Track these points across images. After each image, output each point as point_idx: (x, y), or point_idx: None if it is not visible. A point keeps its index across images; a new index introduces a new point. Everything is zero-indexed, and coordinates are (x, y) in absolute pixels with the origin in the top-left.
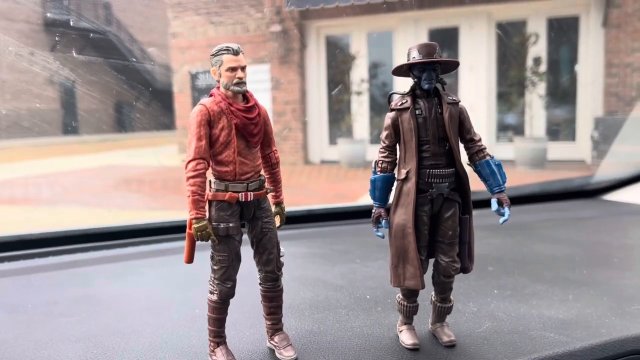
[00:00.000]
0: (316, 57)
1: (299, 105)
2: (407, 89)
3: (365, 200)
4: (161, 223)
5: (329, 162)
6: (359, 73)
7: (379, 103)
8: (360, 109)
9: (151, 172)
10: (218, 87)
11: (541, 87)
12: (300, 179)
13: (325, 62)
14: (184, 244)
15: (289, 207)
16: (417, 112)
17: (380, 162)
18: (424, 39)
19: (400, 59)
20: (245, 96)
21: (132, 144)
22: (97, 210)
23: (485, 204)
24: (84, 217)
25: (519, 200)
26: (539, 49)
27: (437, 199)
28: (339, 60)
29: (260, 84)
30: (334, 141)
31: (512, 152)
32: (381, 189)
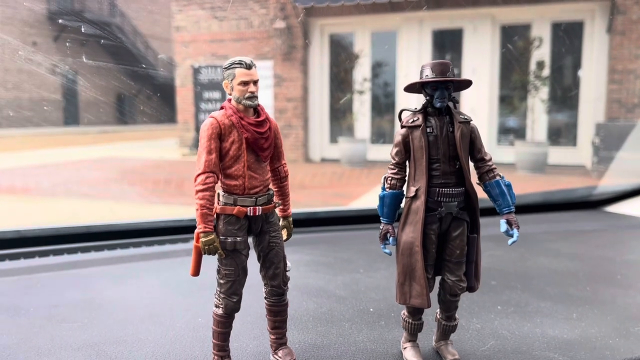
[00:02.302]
0: (319, 55)
1: (301, 102)
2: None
3: (366, 202)
4: (164, 222)
5: (330, 160)
6: (361, 72)
7: (381, 102)
8: (361, 108)
9: (151, 165)
10: (229, 100)
11: (544, 92)
12: (303, 178)
13: (328, 60)
14: (186, 246)
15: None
16: (428, 130)
17: (390, 178)
18: (427, 39)
19: (403, 59)
20: (257, 110)
21: (133, 137)
22: (97, 202)
23: (487, 213)
24: (83, 209)
25: (520, 209)
26: (542, 53)
27: (445, 217)
28: (342, 58)
29: (262, 81)
30: (335, 139)
31: (513, 156)
32: (390, 205)
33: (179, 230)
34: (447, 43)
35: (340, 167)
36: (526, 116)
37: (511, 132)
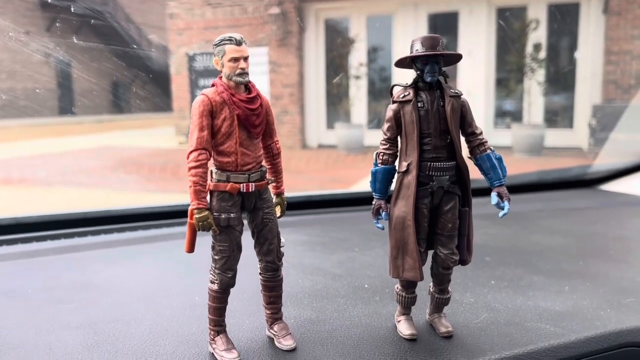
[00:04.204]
0: (315, 41)
1: (297, 88)
2: (407, 77)
3: (363, 186)
4: (160, 207)
5: (326, 146)
6: (357, 57)
7: (377, 87)
8: (358, 93)
9: (148, 154)
10: (220, 77)
11: (540, 74)
12: (301, 165)
13: (323, 46)
14: (182, 229)
15: (287, 193)
16: (419, 104)
17: (382, 154)
18: (423, 23)
19: (399, 44)
20: (248, 87)
21: (129, 125)
22: (93, 191)
23: (483, 192)
24: (79, 198)
25: (516, 189)
26: (538, 35)
27: (437, 191)
28: (337, 43)
29: (258, 67)
30: (332, 125)
31: (510, 139)
32: (382, 181)
33: (176, 214)
34: (443, 26)
35: (337, 153)
36: (523, 99)
37: (508, 115)
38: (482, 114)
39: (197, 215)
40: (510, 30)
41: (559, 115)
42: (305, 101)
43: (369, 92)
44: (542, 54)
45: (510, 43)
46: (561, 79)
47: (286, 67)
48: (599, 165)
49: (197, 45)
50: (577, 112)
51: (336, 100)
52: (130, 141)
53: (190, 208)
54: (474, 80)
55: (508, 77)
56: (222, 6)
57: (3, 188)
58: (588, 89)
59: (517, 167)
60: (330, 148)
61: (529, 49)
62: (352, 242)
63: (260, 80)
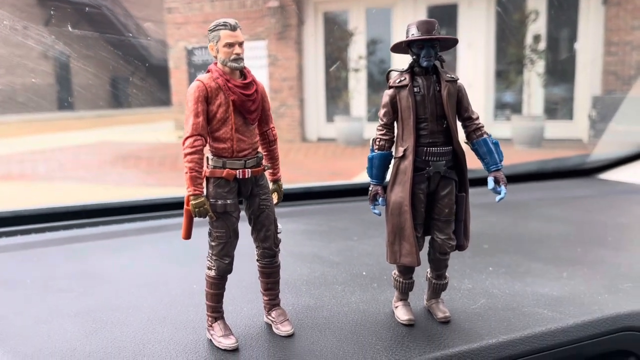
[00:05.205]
0: (314, 34)
1: (296, 82)
2: (405, 66)
3: (363, 178)
4: (158, 199)
5: (326, 139)
6: (356, 50)
7: (377, 80)
8: (357, 86)
9: (147, 149)
10: (215, 63)
11: (540, 65)
12: (300, 159)
13: (322, 39)
14: (181, 220)
15: (286, 185)
16: (415, 89)
17: (378, 139)
18: (422, 15)
19: (398, 36)
20: (243, 72)
21: (128, 120)
22: (93, 186)
23: (482, 182)
24: (79, 193)
25: (515, 178)
26: (538, 26)
27: (434, 177)
28: (336, 36)
29: (256, 61)
30: (331, 118)
31: (510, 131)
32: (378, 166)
33: (173, 206)
34: (443, 18)
35: (337, 146)
36: (522, 90)
37: (508, 107)
38: (481, 106)
39: (193, 202)
40: (509, 21)
41: (558, 106)
42: (305, 94)
43: (369, 85)
44: (542, 45)
45: (510, 35)
46: (561, 70)
47: (285, 61)
48: (597, 155)
49: (195, 39)
50: (577, 103)
51: (335, 93)
52: (130, 136)
53: (186, 194)
54: (473, 72)
55: (508, 68)
56: (220, 0)
57: (3, 183)
58: (588, 80)
59: (517, 159)
60: (330, 141)
61: (529, 40)
62: (351, 232)
63: (260, 73)
